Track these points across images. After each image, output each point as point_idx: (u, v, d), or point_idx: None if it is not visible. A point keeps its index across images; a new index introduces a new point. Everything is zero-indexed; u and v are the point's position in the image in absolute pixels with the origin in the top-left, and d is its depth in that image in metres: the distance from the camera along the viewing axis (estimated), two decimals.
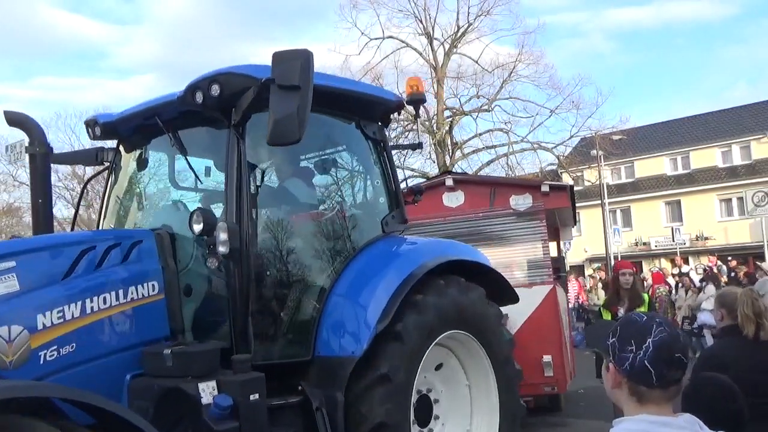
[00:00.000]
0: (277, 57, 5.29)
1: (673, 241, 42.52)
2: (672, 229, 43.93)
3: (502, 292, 7.71)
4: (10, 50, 73.98)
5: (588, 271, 42.26)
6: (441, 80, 42.67)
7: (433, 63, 42.99)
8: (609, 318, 9.21)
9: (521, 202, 12.00)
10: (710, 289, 19.26)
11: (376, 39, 42.44)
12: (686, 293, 21.34)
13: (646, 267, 42.48)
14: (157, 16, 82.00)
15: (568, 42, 79.05)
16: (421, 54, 43.00)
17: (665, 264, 38.88)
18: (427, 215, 12.57)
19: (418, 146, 7.83)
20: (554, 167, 44.58)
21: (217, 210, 6.23)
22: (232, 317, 5.73)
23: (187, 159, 6.29)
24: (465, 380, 7.11)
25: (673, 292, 23.04)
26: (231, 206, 5.75)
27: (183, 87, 5.90)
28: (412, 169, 40.20)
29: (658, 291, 22.56)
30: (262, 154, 6.35)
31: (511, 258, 12.96)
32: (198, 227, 5.57)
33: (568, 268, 38.61)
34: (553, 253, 16.89)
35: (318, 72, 5.63)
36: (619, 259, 41.46)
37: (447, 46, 43.21)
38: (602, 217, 40.52)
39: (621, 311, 9.15)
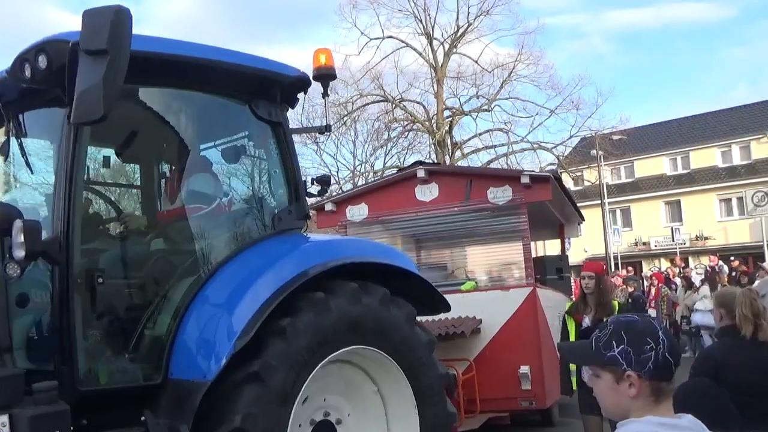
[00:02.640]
0: (86, 15, 4.19)
1: (673, 241, 42.23)
2: (672, 229, 43.72)
3: (430, 300, 6.48)
4: (15, 52, 72.93)
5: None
6: (441, 80, 42.03)
7: (433, 63, 42.30)
8: (572, 327, 7.76)
9: (500, 195, 10.45)
10: (704, 289, 18.65)
11: (375, 39, 41.85)
12: (684, 293, 20.69)
13: (646, 267, 42.01)
14: (161, 18, 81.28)
15: (568, 43, 78.92)
16: (420, 54, 42.39)
17: (665, 264, 38.18)
18: (398, 211, 11.13)
19: (325, 129, 6.39)
20: (554, 167, 43.29)
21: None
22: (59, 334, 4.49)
23: (21, 144, 5.15)
24: (382, 409, 5.88)
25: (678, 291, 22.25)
26: (58, 202, 4.64)
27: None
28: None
29: (663, 291, 21.92)
30: (116, 140, 5.42)
31: (487, 257, 11.52)
32: None
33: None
34: (556, 251, 15.45)
35: (191, 42, 5.05)
36: (619, 259, 40.81)
37: (447, 46, 42.50)
38: (602, 217, 39.72)
39: (586, 320, 7.63)
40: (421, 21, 41.81)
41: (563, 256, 14.10)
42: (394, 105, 42.02)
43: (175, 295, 5.20)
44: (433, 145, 41.79)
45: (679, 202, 48.39)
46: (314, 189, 6.36)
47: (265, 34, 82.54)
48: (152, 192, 6.16)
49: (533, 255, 18.65)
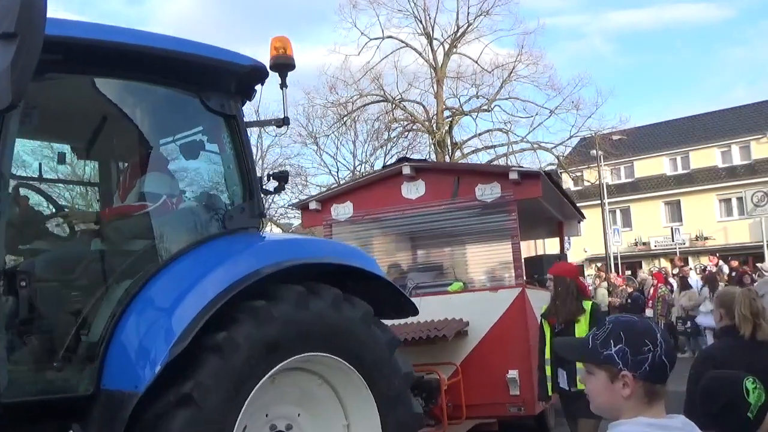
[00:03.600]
0: None
1: (673, 241, 41.92)
2: (671, 229, 43.35)
3: (396, 304, 6.08)
4: None
5: (588, 271, 41.45)
6: (441, 80, 41.71)
7: (433, 63, 41.96)
8: (548, 331, 7.39)
9: (488, 192, 9.88)
10: (705, 291, 18.39)
11: (375, 39, 41.45)
12: (680, 293, 20.46)
13: (646, 267, 41.38)
14: (162, 19, 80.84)
15: (568, 44, 78.43)
16: (420, 54, 42.04)
17: (665, 264, 37.62)
18: (383, 209, 10.58)
19: (283, 122, 5.88)
20: (554, 167, 43.05)
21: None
22: None
23: None
24: (343, 419, 5.40)
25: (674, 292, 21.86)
26: None
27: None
28: None
29: (660, 291, 21.44)
30: (52, 133, 5.09)
31: (476, 257, 10.97)
32: None
33: None
34: (555, 250, 14.86)
35: (134, 29, 4.75)
36: (619, 259, 40.37)
37: (447, 46, 42.14)
38: (602, 217, 39.43)
39: (558, 323, 7.27)
40: (420, 21, 41.56)
41: (562, 255, 13.47)
42: (394, 105, 41.73)
43: (111, 298, 4.72)
44: (433, 146, 41.46)
45: (678, 202, 47.98)
46: (271, 186, 5.89)
47: (266, 35, 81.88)
48: (94, 189, 5.74)
49: (533, 254, 18.22)
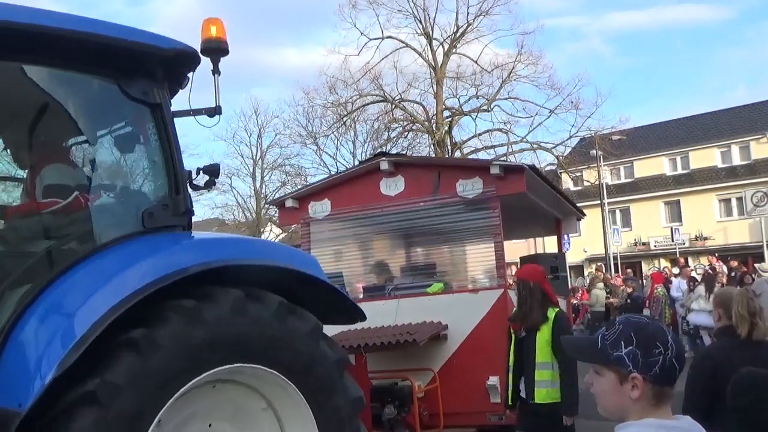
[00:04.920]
0: None
1: (673, 241, 41.15)
2: (671, 229, 42.57)
3: (341, 309, 5.54)
4: None
5: (588, 271, 40.95)
6: (440, 80, 41.22)
7: (433, 63, 41.46)
8: (514, 336, 6.91)
9: (469, 187, 9.21)
10: (700, 289, 17.91)
11: (375, 39, 40.96)
12: (687, 293, 19.48)
13: (645, 267, 41.42)
14: (164, 19, 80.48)
15: (567, 45, 77.82)
16: (420, 54, 41.51)
17: (665, 264, 37.46)
18: (361, 207, 9.92)
19: (215, 111, 5.25)
20: (554, 167, 43.43)
21: None
22: None
23: None
24: None
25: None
26: None
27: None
28: None
29: (656, 291, 20.60)
30: None
31: (457, 256, 10.29)
32: None
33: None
34: (552, 248, 14.15)
35: (42, 9, 4.24)
36: (619, 259, 39.72)
37: (446, 47, 41.61)
38: (601, 217, 38.94)
39: (522, 330, 6.80)
40: (420, 21, 41.09)
41: (560, 254, 12.74)
42: (393, 105, 41.36)
43: (5, 306, 4.10)
44: (432, 146, 41.02)
45: (678, 202, 47.41)
46: (201, 180, 5.26)
47: (267, 36, 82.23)
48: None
49: (533, 252, 17.54)
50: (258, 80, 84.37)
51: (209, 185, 5.31)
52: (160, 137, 4.87)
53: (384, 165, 9.63)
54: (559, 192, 11.47)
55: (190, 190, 5.10)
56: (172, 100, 5.15)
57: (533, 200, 10.17)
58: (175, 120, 5.13)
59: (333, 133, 42.04)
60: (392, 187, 9.75)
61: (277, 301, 4.65)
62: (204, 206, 45.27)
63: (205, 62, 5.16)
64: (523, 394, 6.72)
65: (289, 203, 10.40)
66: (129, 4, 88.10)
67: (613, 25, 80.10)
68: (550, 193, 10.86)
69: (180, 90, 5.23)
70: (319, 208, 10.23)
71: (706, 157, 47.10)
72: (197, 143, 63.07)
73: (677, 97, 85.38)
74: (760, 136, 45.50)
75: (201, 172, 5.17)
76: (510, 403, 6.88)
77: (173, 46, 4.84)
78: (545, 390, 6.54)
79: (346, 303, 5.46)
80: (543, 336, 6.58)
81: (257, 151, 48.48)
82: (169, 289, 4.24)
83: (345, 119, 41.16)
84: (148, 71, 4.79)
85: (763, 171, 43.66)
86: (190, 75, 5.12)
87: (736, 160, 46.37)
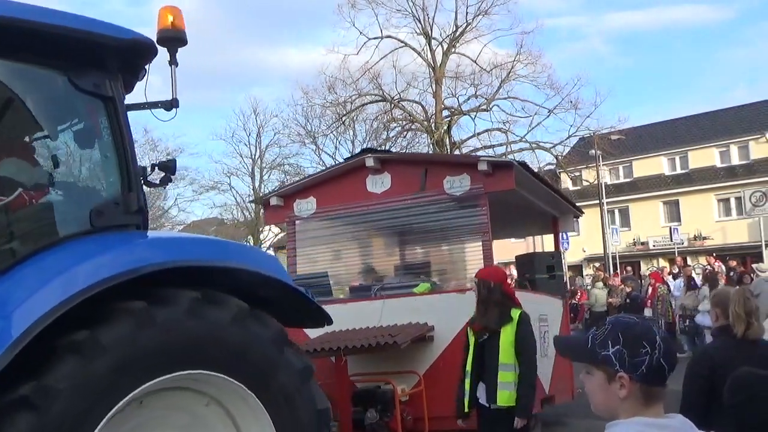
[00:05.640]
0: None
1: (671, 240, 40.58)
2: (670, 228, 41.95)
3: (307, 312, 5.18)
4: None
5: (587, 271, 40.89)
6: (439, 80, 40.96)
7: (432, 63, 41.20)
8: (472, 339, 6.58)
9: (457, 184, 8.89)
10: (705, 290, 17.57)
11: (374, 39, 40.68)
12: (685, 293, 19.47)
13: (644, 266, 40.95)
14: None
15: (567, 45, 77.21)
16: (419, 54, 41.28)
17: (663, 264, 36.99)
18: (347, 204, 9.60)
19: (171, 104, 4.96)
20: (553, 167, 43.13)
21: None
22: None
23: None
24: None
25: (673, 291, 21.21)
26: None
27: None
28: None
29: (659, 290, 20.90)
30: None
31: (444, 255, 9.95)
32: None
33: (565, 268, 36.64)
34: (549, 247, 13.77)
35: None
36: (618, 259, 39.38)
37: (445, 46, 41.35)
38: (600, 217, 38.59)
39: (483, 332, 6.47)
40: (419, 21, 40.83)
41: (556, 253, 12.34)
42: (392, 105, 41.11)
43: None
44: (431, 145, 40.71)
45: (677, 202, 47.03)
46: (156, 177, 4.97)
47: (268, 36, 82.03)
48: None
49: (532, 251, 17.14)
50: (257, 80, 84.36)
51: (165, 182, 5.00)
52: (113, 132, 4.57)
53: (370, 162, 9.30)
54: (553, 189, 11.11)
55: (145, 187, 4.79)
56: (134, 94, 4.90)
57: (527, 197, 9.86)
58: (133, 113, 4.86)
59: (332, 132, 41.93)
60: (378, 184, 9.43)
61: (236, 305, 4.35)
62: (203, 206, 45.10)
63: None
64: (482, 400, 6.38)
65: (274, 201, 10.09)
66: (129, 4, 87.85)
67: (612, 25, 79.85)
68: (543, 190, 10.51)
69: (137, 82, 4.96)
70: (305, 206, 9.91)
71: (704, 156, 46.76)
72: (196, 143, 62.88)
73: (676, 97, 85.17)
74: (759, 136, 45.16)
75: (156, 168, 4.89)
76: (466, 409, 6.50)
77: (127, 35, 4.56)
78: (508, 393, 6.24)
79: (311, 306, 5.10)
80: (506, 337, 6.31)
81: (256, 151, 48.37)
82: (120, 290, 3.95)
83: (344, 119, 40.97)
84: (99, 62, 4.50)
85: (762, 171, 43.34)
86: (147, 66, 4.85)
87: (735, 159, 46.04)
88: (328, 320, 5.23)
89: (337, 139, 42.03)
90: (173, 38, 4.86)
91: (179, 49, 4.96)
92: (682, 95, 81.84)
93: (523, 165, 9.37)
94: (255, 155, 48.11)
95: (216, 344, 4.20)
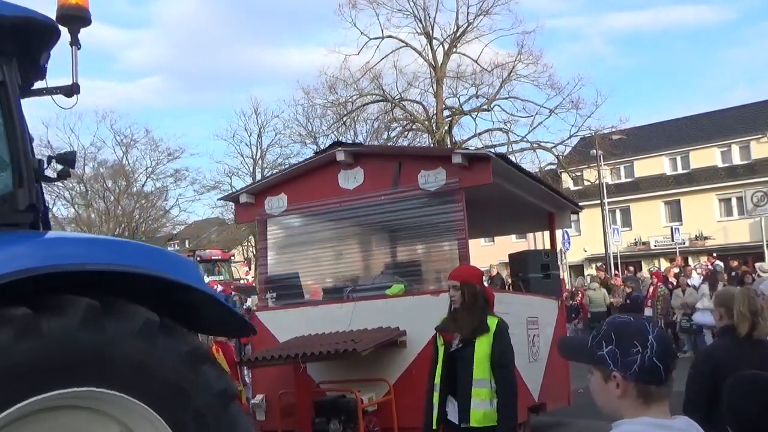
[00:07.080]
0: None
1: (673, 240, 40.33)
2: (671, 228, 41.68)
3: (230, 322, 4.57)
4: None
5: (588, 271, 40.41)
6: (440, 80, 40.58)
7: (433, 62, 40.77)
8: (441, 348, 5.72)
9: (432, 179, 8.25)
10: (704, 288, 18.19)
11: (375, 39, 40.25)
12: (683, 293, 19.95)
13: (645, 266, 40.00)
14: (165, 20, 79.80)
15: (568, 45, 76.68)
16: (420, 54, 40.81)
17: (664, 264, 36.46)
18: (318, 201, 8.94)
19: (72, 90, 4.39)
20: (554, 167, 42.88)
21: None
22: None
23: None
24: None
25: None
26: None
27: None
28: None
29: (660, 290, 20.78)
30: None
31: (419, 255, 9.27)
32: None
33: (566, 268, 35.98)
34: (547, 245, 13.06)
35: None
36: (619, 259, 38.72)
37: (446, 46, 40.93)
38: (602, 217, 38.02)
39: (456, 341, 5.57)
40: (420, 21, 40.38)
41: (551, 251, 11.55)
42: (393, 105, 40.76)
43: None
44: (432, 145, 39.70)
45: (678, 201, 46.47)
46: (52, 171, 4.44)
47: (269, 36, 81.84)
48: None
49: (532, 249, 16.45)
50: (258, 80, 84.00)
51: (63, 176, 4.41)
52: (4, 120, 4.01)
53: (341, 156, 8.63)
54: (541, 182, 10.41)
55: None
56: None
57: (515, 192, 9.18)
58: (34, 99, 4.26)
59: (333, 132, 41.31)
60: (351, 179, 8.78)
61: (143, 317, 3.75)
62: (204, 206, 44.70)
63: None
64: (452, 417, 5.50)
65: (243, 198, 9.44)
66: (131, 3, 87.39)
67: (613, 26, 78.97)
68: (531, 183, 9.78)
69: (43, 67, 4.43)
70: (276, 203, 9.27)
71: (706, 156, 46.24)
72: (197, 143, 62.51)
73: (677, 97, 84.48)
74: (760, 136, 44.60)
75: (52, 160, 4.25)
76: (434, 426, 5.61)
77: (18, 13, 3.99)
78: (482, 412, 5.32)
79: (233, 317, 4.44)
80: (482, 348, 5.39)
81: (257, 151, 47.97)
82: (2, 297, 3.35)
83: (345, 119, 40.63)
84: None
85: (764, 171, 42.80)
86: (49, 49, 4.33)
87: (737, 159, 45.48)
88: (251, 330, 4.61)
89: (338, 139, 41.36)
90: (75, 17, 4.35)
91: (85, 31, 4.36)
92: (683, 95, 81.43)
93: (503, 157, 8.66)
94: (256, 155, 47.79)
95: (115, 359, 3.62)
